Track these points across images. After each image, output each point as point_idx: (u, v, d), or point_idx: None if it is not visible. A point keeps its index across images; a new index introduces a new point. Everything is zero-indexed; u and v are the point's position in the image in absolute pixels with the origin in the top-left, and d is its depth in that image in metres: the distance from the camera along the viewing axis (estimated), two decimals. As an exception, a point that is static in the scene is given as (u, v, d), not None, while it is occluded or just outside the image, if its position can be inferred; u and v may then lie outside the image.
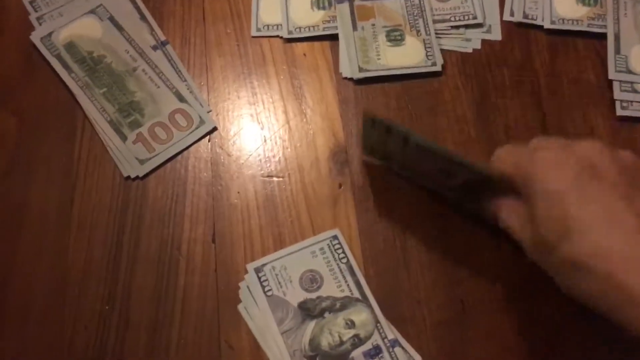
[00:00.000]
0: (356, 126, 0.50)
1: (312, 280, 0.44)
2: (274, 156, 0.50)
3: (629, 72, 0.51)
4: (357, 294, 0.44)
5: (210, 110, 0.51)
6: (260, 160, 0.49)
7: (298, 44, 0.54)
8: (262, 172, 0.49)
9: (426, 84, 0.52)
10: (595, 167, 0.35)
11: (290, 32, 0.54)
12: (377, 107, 0.51)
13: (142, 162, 0.49)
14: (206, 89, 0.52)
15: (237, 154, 0.50)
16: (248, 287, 0.44)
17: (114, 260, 0.46)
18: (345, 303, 0.43)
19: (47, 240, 0.46)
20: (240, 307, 0.44)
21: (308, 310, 0.43)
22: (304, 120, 0.51)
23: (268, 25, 0.55)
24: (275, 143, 0.50)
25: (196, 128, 0.50)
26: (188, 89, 0.52)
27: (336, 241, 0.46)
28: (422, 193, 0.47)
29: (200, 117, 0.51)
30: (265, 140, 0.50)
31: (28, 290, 0.45)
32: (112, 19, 0.54)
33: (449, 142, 0.49)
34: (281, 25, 0.55)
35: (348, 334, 0.42)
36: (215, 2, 0.56)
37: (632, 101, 0.50)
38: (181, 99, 0.51)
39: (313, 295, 0.44)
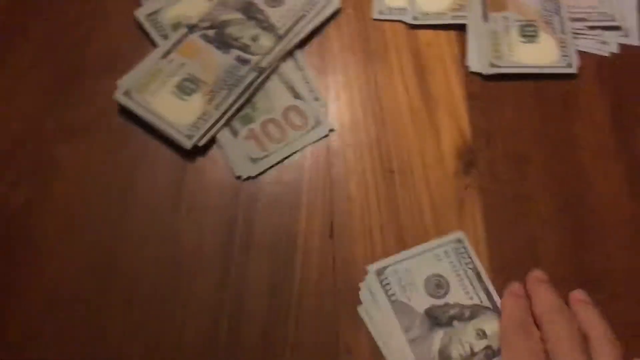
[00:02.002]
0: (485, 124, 0.47)
1: (437, 285, 0.42)
2: (395, 151, 0.47)
3: None
4: (487, 303, 0.41)
5: (325, 106, 0.48)
6: (381, 153, 0.47)
7: (422, 31, 0.51)
8: (383, 166, 0.46)
9: (559, 86, 0.49)
10: None
11: (415, 18, 0.51)
12: (507, 106, 0.48)
13: (254, 161, 0.46)
14: (324, 74, 0.49)
15: (356, 145, 0.47)
16: (370, 289, 0.42)
17: (227, 245, 0.43)
18: (475, 312, 0.41)
19: (156, 218, 0.44)
20: (361, 309, 0.41)
21: (436, 319, 0.40)
22: (428, 114, 0.48)
23: (391, 9, 0.52)
24: (397, 137, 0.47)
25: (312, 129, 0.47)
26: (304, 79, 0.49)
27: (461, 245, 0.43)
28: (556, 200, 0.44)
29: (317, 117, 0.47)
30: (386, 133, 0.47)
31: (138, 268, 0.43)
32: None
33: (585, 151, 0.46)
34: (406, 9, 0.52)
35: (480, 345, 0.40)
36: (336, -20, 0.53)
37: None
38: (296, 95, 0.48)
39: (440, 302, 0.41)
